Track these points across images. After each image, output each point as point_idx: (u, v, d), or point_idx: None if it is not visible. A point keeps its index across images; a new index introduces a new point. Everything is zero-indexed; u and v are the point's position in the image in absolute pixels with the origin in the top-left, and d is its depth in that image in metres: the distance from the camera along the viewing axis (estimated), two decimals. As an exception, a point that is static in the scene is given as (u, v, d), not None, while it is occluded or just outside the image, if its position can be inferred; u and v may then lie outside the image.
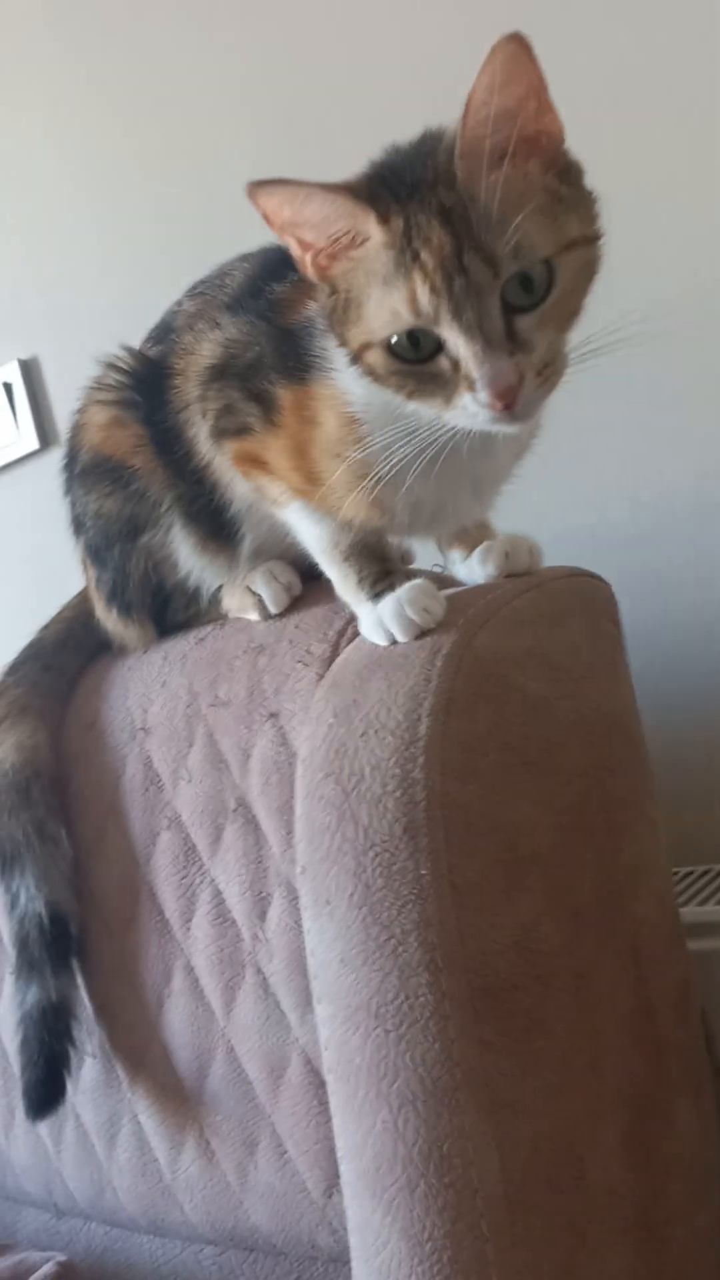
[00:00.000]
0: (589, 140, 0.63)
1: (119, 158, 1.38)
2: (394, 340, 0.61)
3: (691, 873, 0.98)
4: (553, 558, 0.77)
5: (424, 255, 0.58)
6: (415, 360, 0.61)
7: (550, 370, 0.61)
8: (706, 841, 0.99)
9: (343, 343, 0.65)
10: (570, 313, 0.62)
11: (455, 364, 0.60)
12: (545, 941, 0.63)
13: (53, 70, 1.43)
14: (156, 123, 1.33)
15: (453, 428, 0.63)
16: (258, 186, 0.61)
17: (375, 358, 0.63)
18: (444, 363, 0.61)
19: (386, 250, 0.60)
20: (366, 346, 0.63)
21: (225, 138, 1.27)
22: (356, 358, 0.64)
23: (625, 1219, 0.64)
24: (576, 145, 0.62)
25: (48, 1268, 0.80)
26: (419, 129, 0.64)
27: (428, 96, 1.03)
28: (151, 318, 0.88)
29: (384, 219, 0.60)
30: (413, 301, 0.59)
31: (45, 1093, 0.85)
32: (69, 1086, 0.86)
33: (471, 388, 0.60)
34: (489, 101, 0.58)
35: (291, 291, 0.72)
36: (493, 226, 0.58)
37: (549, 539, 0.77)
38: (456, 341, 0.59)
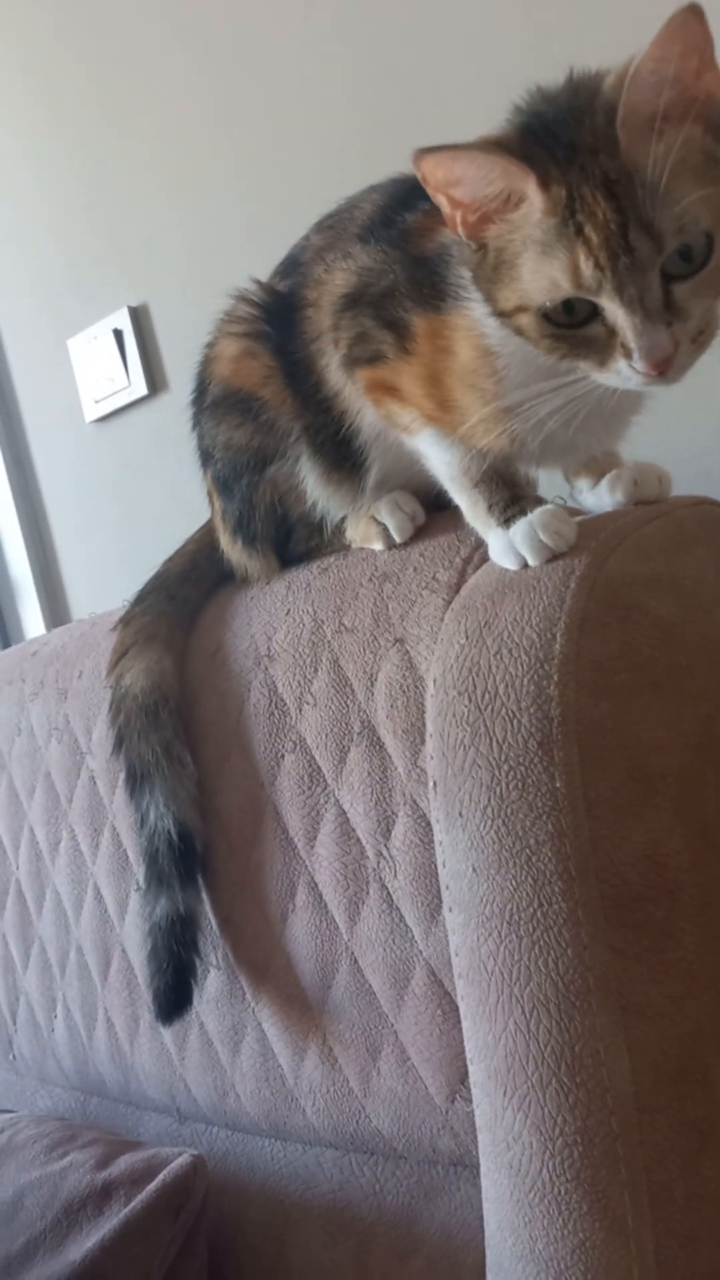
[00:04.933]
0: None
1: (227, 106, 1.40)
2: (549, 305, 0.62)
3: None
4: (681, 486, 0.77)
5: (588, 229, 0.59)
6: (569, 325, 0.62)
7: (705, 336, 0.62)
8: None
9: (490, 300, 0.66)
10: None
11: (610, 330, 0.61)
12: (673, 856, 0.65)
13: (162, 24, 1.44)
14: (265, 73, 1.34)
15: (601, 385, 0.64)
16: (423, 153, 0.62)
17: (527, 321, 0.64)
18: (599, 329, 0.62)
19: (547, 217, 0.61)
20: (520, 310, 0.64)
21: (329, 89, 1.27)
22: (506, 316, 0.65)
23: (749, 1128, 0.65)
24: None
25: (183, 1159, 0.84)
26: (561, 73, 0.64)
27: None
28: (260, 262, 0.90)
29: (544, 184, 0.60)
30: (575, 274, 0.60)
31: (173, 999, 0.89)
32: (195, 995, 0.91)
33: (628, 355, 0.61)
34: (656, 70, 0.58)
35: (424, 220, 0.73)
36: (657, 201, 0.58)
37: (676, 467, 0.77)
38: (616, 312, 0.60)
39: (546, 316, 0.62)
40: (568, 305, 0.61)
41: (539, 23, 1.07)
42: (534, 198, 0.61)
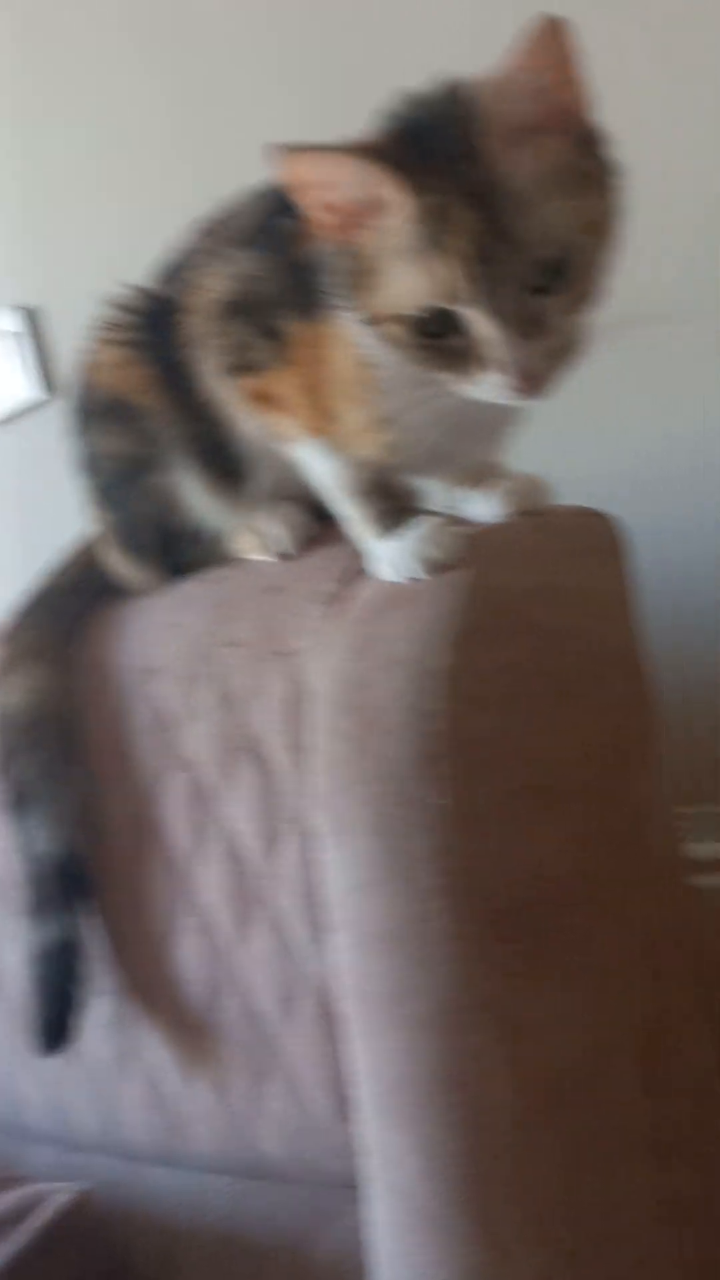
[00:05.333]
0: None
1: (125, 101, 1.37)
2: (415, 315, 0.61)
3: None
4: (567, 497, 0.77)
5: (453, 238, 0.58)
6: (436, 335, 0.62)
7: (570, 350, 0.62)
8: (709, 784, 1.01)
9: (360, 308, 0.65)
10: (593, 292, 0.63)
11: (476, 342, 0.61)
12: (561, 870, 0.65)
13: (59, 14, 1.41)
14: (166, 66, 1.32)
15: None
16: (283, 151, 0.60)
17: (394, 329, 0.63)
18: (465, 340, 0.61)
19: (413, 226, 0.60)
20: (388, 319, 0.63)
21: (235, 81, 1.25)
22: (375, 325, 0.64)
23: (635, 1142, 0.65)
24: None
25: (64, 1195, 0.81)
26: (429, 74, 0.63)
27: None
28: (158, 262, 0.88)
29: (412, 192, 0.60)
30: (439, 284, 0.59)
31: (57, 1029, 0.86)
32: (81, 1022, 0.88)
33: (493, 368, 0.61)
34: (521, 81, 0.58)
35: (303, 226, 0.72)
36: (521, 211, 0.58)
37: (562, 479, 0.77)
38: (480, 324, 0.60)
39: (413, 326, 0.61)
40: (434, 315, 0.60)
41: (491, 27, 1.07)
42: (401, 205, 0.60)
